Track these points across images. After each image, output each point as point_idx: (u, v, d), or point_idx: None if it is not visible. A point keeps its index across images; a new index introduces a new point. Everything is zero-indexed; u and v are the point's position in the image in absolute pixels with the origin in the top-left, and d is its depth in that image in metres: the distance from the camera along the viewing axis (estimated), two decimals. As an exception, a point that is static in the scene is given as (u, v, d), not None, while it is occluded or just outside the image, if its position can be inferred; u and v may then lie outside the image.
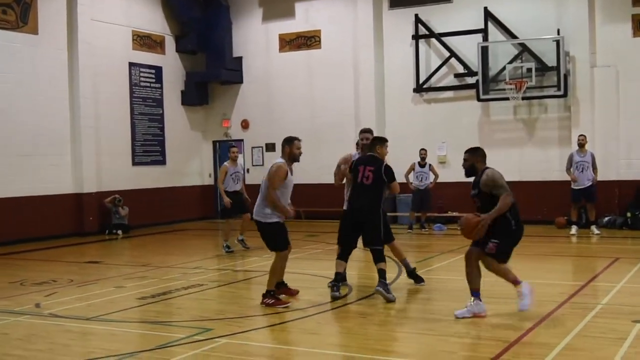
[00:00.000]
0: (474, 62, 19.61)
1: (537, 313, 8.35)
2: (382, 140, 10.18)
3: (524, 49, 19.14)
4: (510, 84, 18.70)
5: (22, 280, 11.90)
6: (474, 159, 8.49)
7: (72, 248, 17.12)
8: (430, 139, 20.25)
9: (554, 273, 12.14)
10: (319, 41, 22.30)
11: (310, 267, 12.55)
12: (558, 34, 18.74)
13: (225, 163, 15.23)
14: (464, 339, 7.53)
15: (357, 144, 10.96)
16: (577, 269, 13.08)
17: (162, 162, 22.55)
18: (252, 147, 23.45)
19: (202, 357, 7.06)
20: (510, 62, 19.08)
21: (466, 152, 8.60)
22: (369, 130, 10.63)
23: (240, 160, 15.76)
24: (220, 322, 8.48)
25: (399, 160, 19.37)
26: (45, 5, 18.85)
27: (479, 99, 19.47)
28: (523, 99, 18.91)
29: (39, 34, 18.69)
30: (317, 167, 20.43)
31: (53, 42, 19.06)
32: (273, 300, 9.22)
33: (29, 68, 18.38)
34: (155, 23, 22.49)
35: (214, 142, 24.24)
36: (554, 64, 18.62)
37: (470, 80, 19.88)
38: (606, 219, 17.86)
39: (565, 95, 18.60)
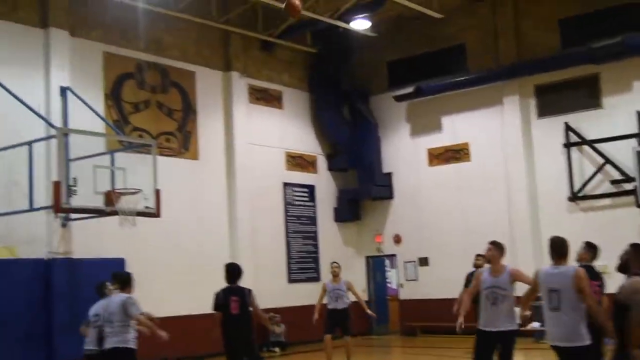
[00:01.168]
0: (630, 167, 18.97)
1: None
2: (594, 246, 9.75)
3: (682, 150, 18.42)
4: (671, 188, 17.96)
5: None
6: (633, 256, 7.45)
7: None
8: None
9: None
10: (468, 153, 22.31)
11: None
12: None
13: (325, 280, 14.73)
14: None
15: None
16: None
17: (317, 279, 22.79)
18: (405, 262, 23.39)
19: None
20: (669, 165, 18.37)
21: (630, 245, 7.63)
22: (494, 243, 9.73)
23: (343, 277, 15.09)
24: None
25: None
26: (205, 132, 20.06)
27: (638, 205, 18.74)
28: (687, 203, 18.08)
29: (199, 159, 19.84)
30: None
31: (212, 166, 20.14)
32: None
33: (191, 192, 19.39)
34: (307, 144, 23.34)
35: (367, 258, 24.37)
36: None
37: (628, 186, 19.20)
38: None
39: None
